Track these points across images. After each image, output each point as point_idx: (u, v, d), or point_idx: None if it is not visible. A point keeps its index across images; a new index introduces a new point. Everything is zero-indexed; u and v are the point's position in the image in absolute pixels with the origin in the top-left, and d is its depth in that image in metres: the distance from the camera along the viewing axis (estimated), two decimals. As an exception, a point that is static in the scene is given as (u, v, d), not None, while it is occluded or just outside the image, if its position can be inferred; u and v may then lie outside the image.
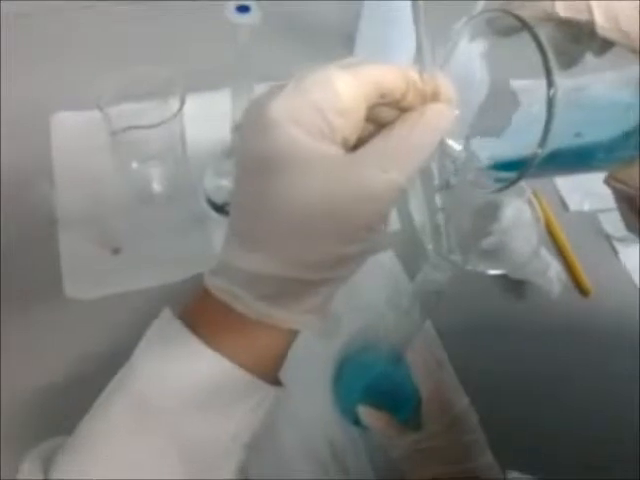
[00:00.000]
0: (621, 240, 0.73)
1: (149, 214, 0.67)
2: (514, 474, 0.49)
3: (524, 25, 0.28)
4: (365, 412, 0.52)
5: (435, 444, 0.49)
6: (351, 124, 0.28)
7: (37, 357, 0.57)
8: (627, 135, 0.31)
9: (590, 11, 0.31)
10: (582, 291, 0.69)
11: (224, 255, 0.31)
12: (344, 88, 0.27)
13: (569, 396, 0.62)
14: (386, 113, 0.30)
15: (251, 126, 0.29)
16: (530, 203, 0.42)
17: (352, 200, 0.28)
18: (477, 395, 0.53)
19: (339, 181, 0.27)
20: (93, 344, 0.58)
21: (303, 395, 0.56)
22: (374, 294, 0.64)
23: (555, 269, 0.66)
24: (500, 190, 0.32)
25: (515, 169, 0.30)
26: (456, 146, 0.34)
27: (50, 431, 0.37)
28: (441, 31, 0.32)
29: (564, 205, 0.76)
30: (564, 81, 0.27)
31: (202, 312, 0.33)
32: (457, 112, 0.30)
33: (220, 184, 0.66)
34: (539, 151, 0.28)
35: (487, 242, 0.45)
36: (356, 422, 0.54)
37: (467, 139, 0.34)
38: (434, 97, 0.29)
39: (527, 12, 0.31)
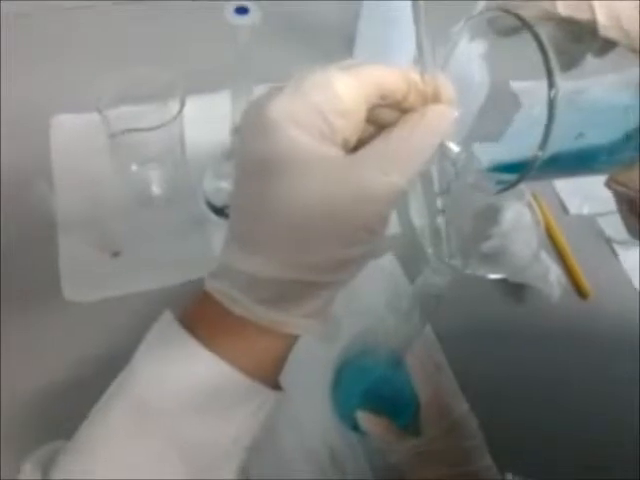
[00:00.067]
0: (621, 243, 0.73)
1: (148, 217, 0.66)
2: (513, 477, 0.49)
3: (525, 24, 0.28)
4: (364, 417, 0.52)
5: (434, 449, 0.49)
6: (351, 125, 0.28)
7: (37, 360, 0.57)
8: (628, 137, 0.31)
9: (592, 10, 0.31)
10: (582, 294, 0.69)
11: (224, 258, 0.31)
12: (344, 89, 0.27)
13: (569, 399, 0.61)
14: (387, 114, 0.30)
15: (251, 128, 0.29)
16: (530, 206, 0.42)
17: (352, 202, 0.27)
18: (477, 399, 0.53)
19: (339, 183, 0.27)
20: (92, 347, 0.58)
21: (302, 399, 0.55)
22: (374, 298, 0.64)
23: (555, 272, 0.66)
24: (500, 192, 0.31)
25: (515, 171, 0.30)
26: (455, 148, 0.34)
27: (50, 432, 0.37)
28: (441, 31, 0.32)
29: (564, 208, 0.76)
30: (565, 83, 0.27)
31: (202, 315, 0.33)
32: (457, 113, 0.29)
33: (219, 186, 0.66)
34: (540, 153, 0.28)
35: (487, 246, 0.45)
36: (355, 427, 0.54)
37: (467, 141, 0.34)
38: (435, 98, 0.29)
39: (527, 11, 0.30)
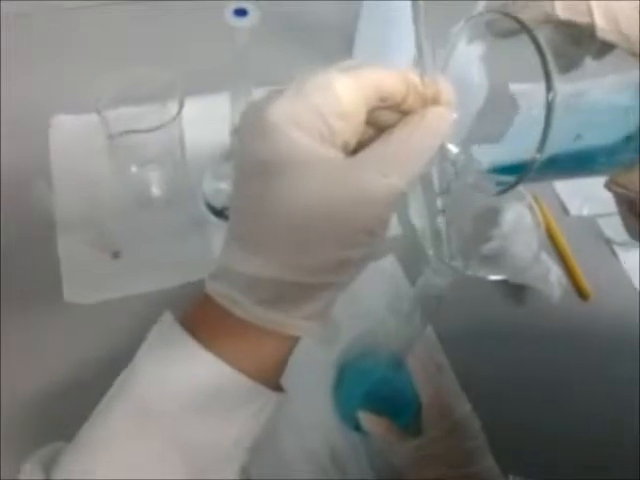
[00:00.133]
0: (621, 244, 0.73)
1: (148, 218, 0.66)
2: (514, 478, 0.49)
3: (523, 27, 0.28)
4: (365, 418, 0.52)
5: (436, 449, 0.49)
6: (351, 127, 0.28)
7: (37, 361, 0.57)
8: (627, 139, 0.31)
9: (590, 13, 0.31)
10: (582, 295, 0.69)
11: (223, 259, 0.31)
12: (344, 92, 0.27)
13: (570, 400, 0.61)
14: (386, 116, 0.30)
15: (250, 129, 0.28)
16: (530, 208, 0.42)
17: (351, 204, 0.27)
18: (478, 399, 0.53)
19: (338, 184, 0.27)
20: (92, 348, 0.58)
21: (304, 401, 0.55)
22: (375, 299, 0.64)
23: (555, 274, 0.66)
24: (499, 194, 0.31)
25: (515, 173, 0.30)
26: (454, 149, 0.33)
27: (50, 434, 0.37)
28: (441, 32, 0.32)
29: (564, 210, 0.76)
30: (563, 85, 0.27)
31: (202, 317, 0.33)
32: (456, 115, 0.29)
33: (219, 187, 0.66)
34: (538, 155, 0.28)
35: (488, 247, 0.45)
36: (356, 428, 0.54)
37: (466, 142, 0.34)
38: (434, 100, 0.29)
39: (526, 14, 0.30)
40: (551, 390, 0.62)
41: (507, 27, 0.30)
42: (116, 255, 0.64)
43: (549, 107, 0.27)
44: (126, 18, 0.84)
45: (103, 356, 0.57)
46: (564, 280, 0.67)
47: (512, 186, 0.30)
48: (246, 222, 0.30)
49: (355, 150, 0.29)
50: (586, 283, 0.69)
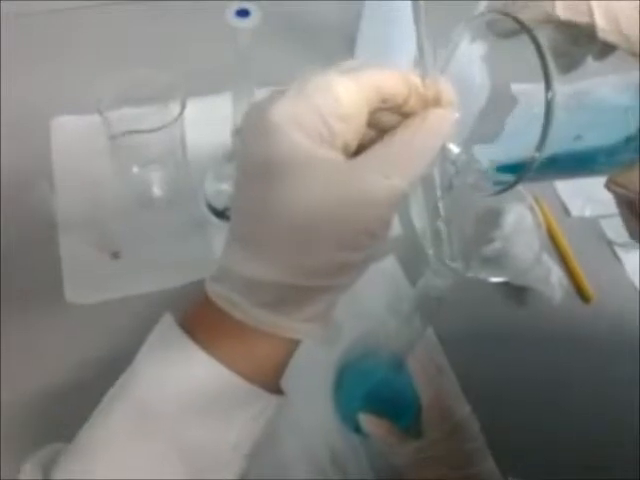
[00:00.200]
0: (623, 246, 0.73)
1: (149, 218, 0.66)
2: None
3: (523, 27, 0.28)
4: (366, 419, 0.52)
5: (436, 451, 0.49)
6: (352, 129, 0.28)
7: (37, 361, 0.57)
8: (627, 139, 0.31)
9: (590, 13, 0.31)
10: (584, 297, 0.69)
11: (224, 261, 0.31)
12: (345, 93, 0.27)
13: (571, 402, 0.61)
14: (387, 118, 0.30)
15: (252, 130, 0.29)
16: (532, 209, 0.42)
17: (353, 205, 0.27)
18: (478, 401, 0.52)
19: (340, 186, 0.27)
20: (93, 349, 0.58)
21: (304, 402, 0.55)
22: (375, 300, 0.64)
23: (557, 275, 0.66)
24: (499, 193, 0.32)
25: (514, 172, 0.30)
26: (455, 149, 0.33)
27: (50, 434, 0.37)
28: (442, 31, 0.32)
29: (566, 211, 0.76)
30: (563, 85, 0.27)
31: (202, 318, 0.33)
32: (457, 115, 0.29)
33: (220, 188, 0.66)
34: (537, 155, 0.28)
35: (489, 248, 0.45)
36: (357, 429, 0.54)
37: (467, 142, 0.34)
38: (436, 102, 0.29)
39: (527, 14, 0.30)
40: (552, 392, 0.61)
41: (508, 27, 0.30)
42: (117, 255, 0.64)
43: (548, 107, 0.27)
44: (127, 18, 0.84)
45: (103, 356, 0.57)
46: (565, 281, 0.67)
47: (511, 185, 0.30)
48: (247, 223, 0.30)
49: (356, 152, 0.29)
50: (587, 285, 0.69)
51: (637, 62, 0.31)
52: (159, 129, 0.54)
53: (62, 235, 0.64)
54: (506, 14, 0.30)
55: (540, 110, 0.27)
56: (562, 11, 0.31)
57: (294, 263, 0.29)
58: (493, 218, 0.46)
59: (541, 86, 0.27)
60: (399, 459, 0.50)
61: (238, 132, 0.58)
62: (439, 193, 0.34)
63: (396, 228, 0.69)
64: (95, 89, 0.54)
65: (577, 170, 0.34)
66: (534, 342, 0.64)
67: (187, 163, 0.65)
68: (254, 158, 0.28)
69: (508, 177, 0.31)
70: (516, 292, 0.67)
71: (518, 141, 0.32)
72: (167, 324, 0.34)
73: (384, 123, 0.30)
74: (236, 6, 0.48)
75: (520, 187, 0.34)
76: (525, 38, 0.28)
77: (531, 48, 0.27)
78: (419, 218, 0.68)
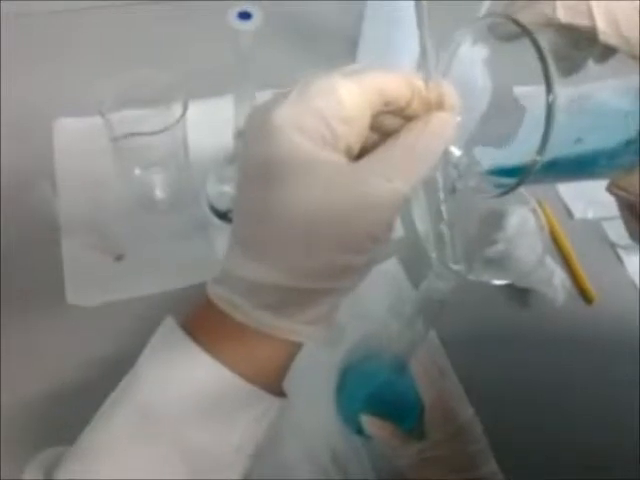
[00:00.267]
0: (625, 248, 0.73)
1: (151, 220, 0.66)
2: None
3: (524, 30, 0.28)
4: (368, 421, 0.52)
5: (439, 453, 0.49)
6: (355, 132, 0.28)
7: (38, 363, 0.57)
8: (627, 142, 0.31)
9: (591, 16, 0.31)
10: (586, 299, 0.69)
11: (226, 263, 0.31)
12: (347, 96, 0.27)
13: (573, 404, 0.61)
14: (390, 121, 0.30)
15: (254, 132, 0.28)
16: (534, 211, 0.42)
17: (355, 208, 0.27)
18: (481, 403, 0.53)
19: (342, 189, 0.27)
20: (95, 350, 0.58)
21: (306, 404, 0.55)
22: (377, 302, 0.64)
23: (560, 277, 0.66)
24: (500, 196, 0.31)
25: (516, 175, 0.30)
26: (457, 152, 0.33)
27: (51, 436, 0.37)
28: (445, 32, 0.32)
29: (569, 213, 0.76)
30: (564, 88, 0.27)
31: (204, 320, 0.33)
32: (459, 119, 0.29)
33: (223, 190, 0.66)
34: (538, 158, 0.28)
35: (492, 251, 0.45)
36: (359, 431, 0.54)
37: (469, 145, 0.34)
38: (438, 105, 0.29)
39: (528, 17, 0.30)
40: (554, 394, 0.61)
41: (510, 30, 0.30)
42: (119, 257, 0.64)
43: (549, 110, 0.27)
44: (128, 19, 0.84)
45: (105, 358, 0.57)
46: (568, 283, 0.67)
47: (512, 188, 0.30)
48: (249, 225, 0.30)
49: (359, 155, 0.29)
50: (590, 286, 0.69)
51: (637, 65, 0.31)
52: (161, 131, 0.54)
53: (64, 236, 0.64)
54: (507, 17, 0.30)
55: (541, 113, 0.27)
56: (562, 13, 0.31)
57: (296, 265, 0.29)
58: (496, 220, 0.46)
59: (542, 89, 0.27)
60: (402, 461, 0.50)
61: (240, 134, 0.58)
62: (442, 196, 0.34)
63: (398, 230, 0.69)
64: (96, 90, 0.54)
65: (578, 173, 0.34)
66: (537, 344, 0.64)
67: (189, 165, 0.65)
68: (256, 160, 0.28)
69: (509, 180, 0.31)
70: (519, 294, 0.67)
71: (519, 144, 0.32)
72: (169, 326, 0.34)
73: (387, 126, 0.30)
74: (238, 8, 0.48)
75: (523, 190, 0.35)
76: (526, 41, 0.28)
77: (532, 51, 0.27)
78: (422, 221, 0.68)
